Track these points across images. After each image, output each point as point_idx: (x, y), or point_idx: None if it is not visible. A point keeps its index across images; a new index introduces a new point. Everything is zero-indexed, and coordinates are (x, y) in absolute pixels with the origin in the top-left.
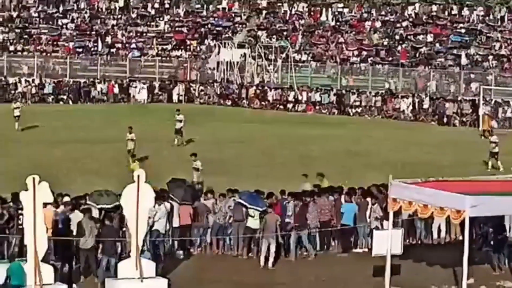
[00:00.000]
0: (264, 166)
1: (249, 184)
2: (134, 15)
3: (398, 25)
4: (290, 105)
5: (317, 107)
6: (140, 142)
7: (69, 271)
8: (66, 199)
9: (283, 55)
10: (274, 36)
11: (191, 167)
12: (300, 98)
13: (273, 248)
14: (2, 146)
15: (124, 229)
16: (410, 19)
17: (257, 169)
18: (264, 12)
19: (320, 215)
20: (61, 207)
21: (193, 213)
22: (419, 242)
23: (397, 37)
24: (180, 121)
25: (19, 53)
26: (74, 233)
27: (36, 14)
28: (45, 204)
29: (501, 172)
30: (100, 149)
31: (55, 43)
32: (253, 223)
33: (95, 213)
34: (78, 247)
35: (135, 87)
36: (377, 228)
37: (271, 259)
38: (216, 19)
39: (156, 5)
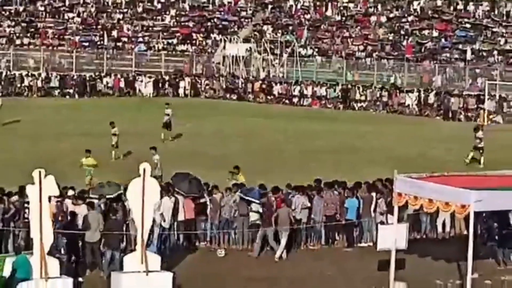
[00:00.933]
0: (269, 160)
1: (254, 179)
2: (140, 9)
3: (404, 19)
4: (295, 100)
5: (323, 102)
6: (146, 136)
7: (75, 265)
8: (70, 192)
9: (289, 50)
10: (280, 31)
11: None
12: (305, 92)
13: (284, 241)
14: (7, 139)
15: (127, 222)
16: (416, 14)
17: (262, 164)
18: (269, 6)
19: (326, 210)
20: (67, 201)
21: (198, 207)
22: (424, 236)
23: (402, 31)
24: (168, 114)
25: (25, 46)
26: (80, 226)
27: (43, 8)
28: (50, 198)
29: (481, 168)
30: (106, 143)
31: (61, 36)
32: (255, 217)
33: (98, 206)
34: (84, 240)
35: (141, 81)
36: (382, 222)
37: (279, 252)
38: (222, 13)
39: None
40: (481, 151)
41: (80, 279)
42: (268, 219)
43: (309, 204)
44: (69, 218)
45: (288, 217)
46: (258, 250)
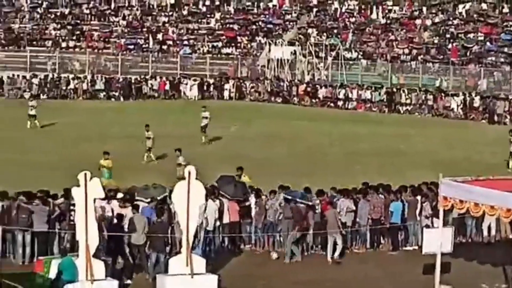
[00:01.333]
0: (314, 163)
1: (298, 182)
2: (185, 12)
3: (449, 23)
4: (340, 103)
5: (368, 105)
6: (189, 139)
7: (121, 267)
8: (120, 195)
9: (334, 53)
10: (325, 34)
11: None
12: (350, 95)
13: (339, 242)
14: (53, 142)
15: (173, 225)
16: (461, 17)
17: (307, 167)
18: (314, 9)
19: (372, 213)
20: (114, 203)
21: (243, 209)
22: (469, 240)
23: (447, 35)
24: (206, 118)
25: (71, 49)
26: (126, 229)
27: (88, 11)
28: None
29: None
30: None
31: (106, 39)
32: None
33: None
34: (130, 243)
35: (186, 84)
36: (427, 226)
37: (336, 253)
38: (267, 16)
39: (207, 2)
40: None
41: (129, 281)
42: (298, 223)
43: (354, 208)
44: (115, 220)
45: (336, 219)
46: (289, 255)
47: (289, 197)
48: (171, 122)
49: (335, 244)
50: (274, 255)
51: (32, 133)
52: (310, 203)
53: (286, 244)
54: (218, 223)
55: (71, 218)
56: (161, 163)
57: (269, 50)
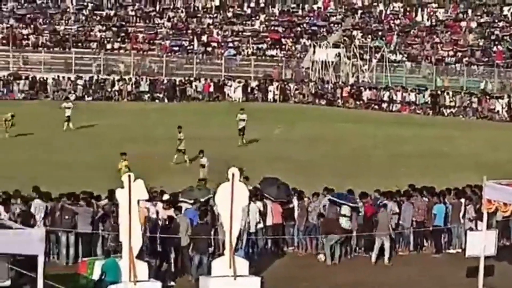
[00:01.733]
0: (357, 165)
1: (342, 184)
2: (230, 14)
3: (494, 25)
4: (384, 105)
5: (412, 107)
6: (234, 141)
7: (166, 269)
8: (166, 197)
9: (378, 55)
10: (369, 36)
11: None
12: (394, 98)
13: (387, 245)
14: (97, 143)
15: (216, 226)
16: (506, 20)
17: (350, 169)
18: (359, 11)
19: (416, 215)
20: (158, 205)
21: (286, 211)
22: None
23: (492, 37)
24: (244, 120)
25: (116, 51)
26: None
27: (133, 13)
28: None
29: None
30: (194, 147)
31: (151, 41)
32: (346, 223)
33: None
34: (173, 244)
35: (230, 85)
36: (470, 229)
37: (386, 256)
38: (311, 18)
39: (252, 4)
40: None
41: (173, 283)
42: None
43: (397, 210)
44: (160, 222)
45: (388, 222)
46: (330, 257)
47: (334, 199)
48: (215, 124)
49: (382, 247)
50: (322, 257)
51: (77, 134)
52: (354, 205)
53: (325, 246)
54: (261, 225)
55: (114, 219)
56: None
57: (314, 52)
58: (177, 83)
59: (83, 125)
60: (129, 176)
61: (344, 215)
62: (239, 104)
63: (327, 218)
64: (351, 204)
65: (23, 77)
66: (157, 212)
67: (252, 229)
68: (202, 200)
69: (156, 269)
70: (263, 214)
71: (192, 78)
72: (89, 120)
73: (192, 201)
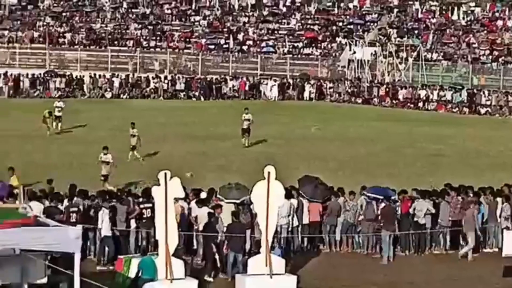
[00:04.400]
0: (394, 164)
1: (379, 183)
2: (265, 13)
3: None
4: (420, 104)
5: (448, 106)
6: (270, 139)
7: (201, 267)
8: (203, 195)
9: (414, 54)
10: (405, 35)
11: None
12: (431, 97)
13: (471, 241)
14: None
15: (253, 225)
16: None
17: (387, 168)
18: (395, 10)
19: (452, 214)
20: (192, 203)
21: (323, 210)
22: None
23: None
24: (248, 120)
25: (152, 49)
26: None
27: (169, 11)
28: (176, 199)
29: None
30: (230, 145)
31: (187, 39)
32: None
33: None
34: (209, 242)
35: (266, 84)
36: (507, 228)
37: (464, 250)
38: (347, 17)
39: (288, 3)
40: None
41: (210, 279)
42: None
43: (433, 210)
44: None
45: (474, 219)
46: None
47: (370, 195)
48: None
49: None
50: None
51: (113, 132)
52: (391, 203)
53: (383, 245)
54: (297, 223)
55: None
56: (239, 164)
57: (350, 51)
58: (213, 81)
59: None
60: (165, 174)
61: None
62: (275, 103)
63: (386, 214)
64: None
65: (60, 75)
66: (190, 210)
67: (289, 228)
68: (237, 201)
69: (192, 267)
70: (299, 213)
71: (227, 77)
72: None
73: (227, 201)
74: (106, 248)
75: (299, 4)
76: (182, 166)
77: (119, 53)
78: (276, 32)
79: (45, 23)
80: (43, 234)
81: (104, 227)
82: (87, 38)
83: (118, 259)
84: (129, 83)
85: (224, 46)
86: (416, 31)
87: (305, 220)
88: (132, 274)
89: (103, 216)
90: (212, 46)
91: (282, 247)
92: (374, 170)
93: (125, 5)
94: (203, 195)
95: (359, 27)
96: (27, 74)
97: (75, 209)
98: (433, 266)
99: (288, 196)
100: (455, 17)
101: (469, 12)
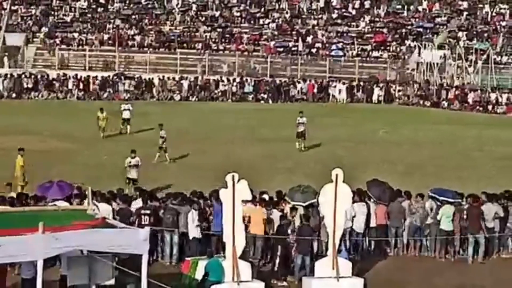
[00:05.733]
0: (463, 168)
1: (447, 186)
2: (334, 15)
3: None
4: (490, 107)
5: None
6: (340, 143)
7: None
8: (265, 197)
9: (484, 57)
10: (475, 37)
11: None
12: (500, 100)
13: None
14: (204, 144)
15: (320, 227)
16: None
17: (456, 171)
18: (465, 13)
19: None
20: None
21: (389, 213)
22: None
23: None
24: (303, 123)
25: (221, 52)
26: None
27: (238, 14)
28: (245, 202)
29: None
30: (289, 147)
31: (256, 42)
32: (447, 225)
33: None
34: (275, 244)
35: (335, 86)
36: None
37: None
38: (417, 19)
39: (357, 5)
40: None
41: (285, 283)
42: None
43: (502, 213)
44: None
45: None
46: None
47: (436, 196)
48: (318, 125)
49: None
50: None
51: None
52: (455, 200)
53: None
54: (364, 226)
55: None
56: (306, 167)
57: (419, 54)
58: (282, 84)
59: (188, 125)
60: (233, 176)
61: (448, 217)
62: (343, 105)
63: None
64: (451, 200)
65: (129, 77)
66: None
67: (357, 230)
68: (304, 204)
69: (259, 269)
70: (367, 216)
71: (295, 79)
72: (194, 120)
73: (293, 203)
74: (175, 250)
75: (368, 7)
76: (249, 168)
77: (188, 56)
78: (345, 34)
79: (114, 26)
80: (112, 236)
81: (192, 228)
82: (157, 41)
83: (185, 260)
84: (198, 86)
85: (293, 48)
86: (485, 34)
87: (372, 223)
88: (198, 276)
89: (193, 217)
90: (281, 49)
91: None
92: (443, 173)
93: (194, 7)
94: (265, 196)
95: (428, 30)
96: (97, 77)
97: (148, 211)
98: (502, 270)
99: (356, 198)
100: None
101: None
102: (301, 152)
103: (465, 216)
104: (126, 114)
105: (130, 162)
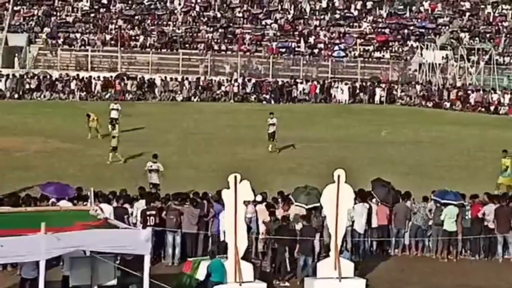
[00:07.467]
0: (463, 168)
1: (449, 187)
2: (337, 16)
3: None
4: (492, 108)
5: None
6: (342, 143)
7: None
8: (259, 198)
9: (486, 57)
10: (477, 38)
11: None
12: (502, 100)
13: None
14: (206, 143)
15: (322, 228)
16: None
17: (457, 172)
18: (467, 13)
19: None
20: (259, 206)
21: (391, 214)
22: None
23: None
24: (273, 124)
25: (223, 52)
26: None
27: (241, 14)
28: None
29: None
30: (300, 148)
31: (258, 43)
32: (450, 225)
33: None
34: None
35: (337, 87)
36: None
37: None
38: (419, 20)
39: (359, 6)
40: None
41: (287, 283)
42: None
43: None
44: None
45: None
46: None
47: (438, 199)
48: (322, 126)
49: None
50: None
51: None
52: (458, 202)
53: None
54: (366, 226)
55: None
56: (308, 167)
57: (421, 54)
58: (284, 84)
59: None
60: (235, 177)
61: (450, 218)
62: (345, 106)
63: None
64: (455, 202)
65: (131, 78)
66: (257, 212)
67: (359, 231)
68: (306, 207)
69: (261, 270)
70: (368, 216)
71: (298, 80)
72: (196, 121)
73: (296, 204)
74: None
75: (370, 8)
76: (252, 169)
77: (190, 56)
78: (347, 35)
79: (117, 26)
80: (114, 236)
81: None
82: (159, 41)
83: (186, 261)
84: (200, 86)
85: (295, 49)
86: (488, 35)
87: (374, 224)
88: (200, 276)
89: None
90: (283, 49)
91: (349, 251)
92: (444, 174)
93: (197, 8)
94: (258, 197)
95: (430, 30)
96: (99, 77)
97: (153, 212)
98: (503, 271)
99: (362, 199)
100: None
101: None
102: (271, 153)
103: (467, 217)
104: (114, 114)
105: (151, 166)
